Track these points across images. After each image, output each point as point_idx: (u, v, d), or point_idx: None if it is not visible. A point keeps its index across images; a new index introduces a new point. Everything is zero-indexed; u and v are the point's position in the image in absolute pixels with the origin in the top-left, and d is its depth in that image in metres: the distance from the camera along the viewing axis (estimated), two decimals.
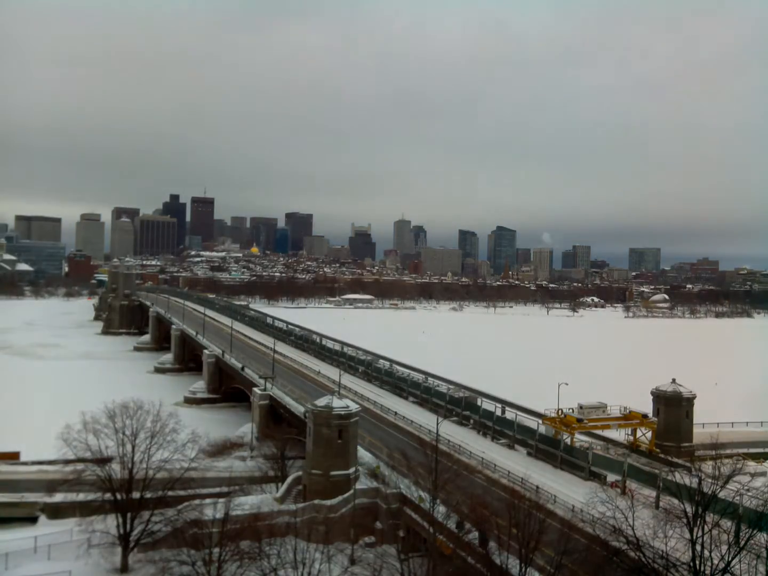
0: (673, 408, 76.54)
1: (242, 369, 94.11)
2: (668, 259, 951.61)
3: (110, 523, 52.88)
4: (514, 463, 64.51)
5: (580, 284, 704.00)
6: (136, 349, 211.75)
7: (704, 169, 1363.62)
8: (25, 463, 78.06)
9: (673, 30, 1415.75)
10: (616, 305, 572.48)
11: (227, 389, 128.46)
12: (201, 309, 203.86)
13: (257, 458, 76.82)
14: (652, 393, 79.04)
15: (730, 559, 34.81)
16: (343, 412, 59.98)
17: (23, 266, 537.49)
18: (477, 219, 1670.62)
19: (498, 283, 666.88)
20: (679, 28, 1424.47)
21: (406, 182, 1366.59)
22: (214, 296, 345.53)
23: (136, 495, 53.10)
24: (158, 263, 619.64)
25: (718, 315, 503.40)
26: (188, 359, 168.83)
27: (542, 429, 73.20)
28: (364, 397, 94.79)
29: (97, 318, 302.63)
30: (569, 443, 69.15)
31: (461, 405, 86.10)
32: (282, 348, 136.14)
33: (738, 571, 34.95)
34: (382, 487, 57.88)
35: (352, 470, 60.09)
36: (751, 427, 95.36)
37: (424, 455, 52.70)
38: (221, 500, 52.61)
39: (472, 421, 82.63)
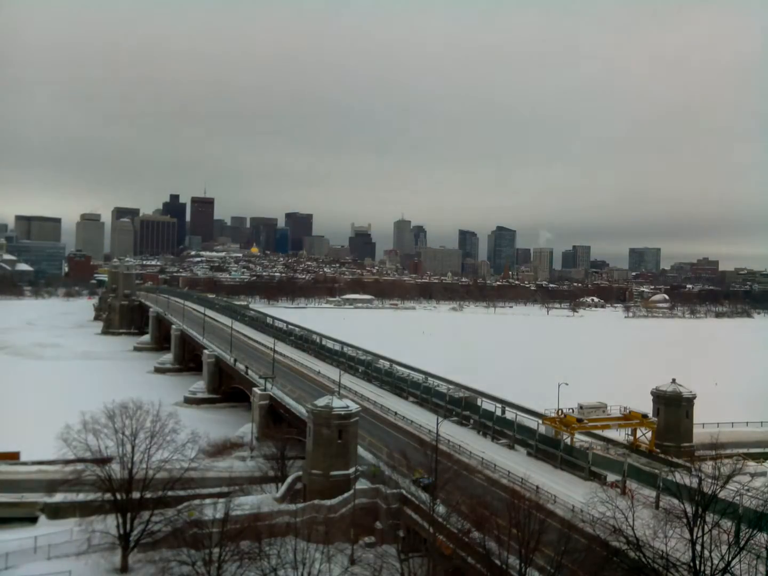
0: (673, 408, 76.52)
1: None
2: (668, 259, 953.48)
3: (110, 523, 52.90)
4: (514, 463, 64.52)
5: (580, 284, 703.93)
6: (136, 349, 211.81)
7: (704, 169, 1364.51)
8: (25, 463, 78.03)
9: (672, 27, 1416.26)
10: (616, 305, 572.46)
11: (227, 389, 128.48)
12: (201, 309, 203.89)
13: (257, 458, 76.79)
14: (652, 393, 79.03)
15: (730, 559, 34.78)
16: (343, 412, 60.01)
17: (23, 266, 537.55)
18: (477, 219, 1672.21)
19: (498, 283, 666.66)
20: (678, 26, 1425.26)
21: (406, 182, 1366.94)
22: (214, 296, 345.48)
23: (136, 495, 53.10)
24: (158, 263, 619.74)
25: (718, 315, 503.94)
26: (188, 359, 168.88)
27: (542, 429, 73.19)
28: (364, 397, 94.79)
29: (97, 318, 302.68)
30: (569, 443, 69.11)
31: (461, 405, 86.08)
32: (282, 348, 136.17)
33: (738, 571, 34.90)
34: (382, 487, 57.88)
35: (352, 470, 60.12)
36: (751, 427, 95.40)
37: (424, 455, 52.73)
38: (221, 500, 52.63)
39: (472, 421, 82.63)
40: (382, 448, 69.16)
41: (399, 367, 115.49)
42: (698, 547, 35.29)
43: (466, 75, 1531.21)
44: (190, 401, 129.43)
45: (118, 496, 52.92)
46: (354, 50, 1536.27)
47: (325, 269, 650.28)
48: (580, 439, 73.67)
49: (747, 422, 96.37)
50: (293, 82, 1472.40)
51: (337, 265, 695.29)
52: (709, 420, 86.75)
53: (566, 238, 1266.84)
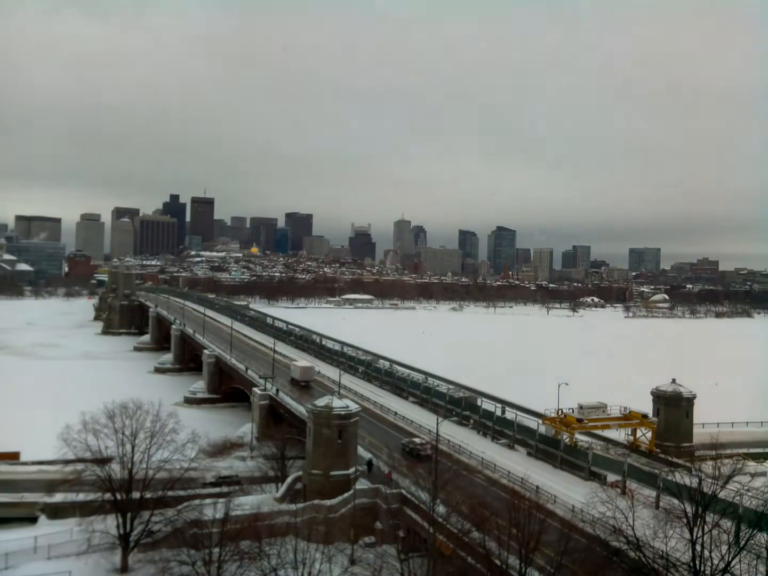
0: (673, 408, 76.49)
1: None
2: (668, 259, 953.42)
3: (110, 523, 52.86)
4: (514, 463, 64.50)
5: (580, 284, 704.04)
6: (136, 349, 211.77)
7: (704, 169, 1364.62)
8: (25, 463, 78.06)
9: (671, 28, 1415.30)
10: (616, 305, 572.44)
11: (227, 389, 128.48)
12: (201, 309, 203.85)
13: (257, 458, 76.83)
14: (652, 393, 79.00)
15: (730, 559, 34.77)
16: (343, 412, 60.00)
17: (23, 266, 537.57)
18: (477, 219, 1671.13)
19: (498, 283, 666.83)
20: (677, 26, 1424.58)
21: (406, 182, 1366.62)
22: (214, 296, 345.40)
23: (136, 495, 53.08)
24: (158, 263, 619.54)
25: (718, 315, 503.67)
26: (188, 359, 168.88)
27: (542, 429, 73.17)
28: (364, 397, 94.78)
29: (97, 318, 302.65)
30: (569, 443, 69.06)
31: (461, 405, 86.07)
32: (282, 348, 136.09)
33: (738, 571, 34.89)
34: (382, 487, 57.91)
35: (352, 470, 60.12)
36: (751, 427, 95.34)
37: None
38: (221, 500, 52.63)
39: (472, 421, 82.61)
40: (382, 448, 69.15)
41: (399, 367, 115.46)
42: (698, 547, 35.28)
43: (466, 75, 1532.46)
44: (190, 401, 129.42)
45: (118, 496, 52.91)
46: (355, 50, 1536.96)
47: (325, 269, 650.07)
48: (581, 439, 73.66)
49: (747, 422, 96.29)
50: (294, 82, 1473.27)
51: (337, 265, 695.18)
52: (709, 420, 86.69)
53: (566, 238, 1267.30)
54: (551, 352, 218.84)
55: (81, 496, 56.11)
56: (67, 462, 57.01)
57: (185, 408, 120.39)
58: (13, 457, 79.59)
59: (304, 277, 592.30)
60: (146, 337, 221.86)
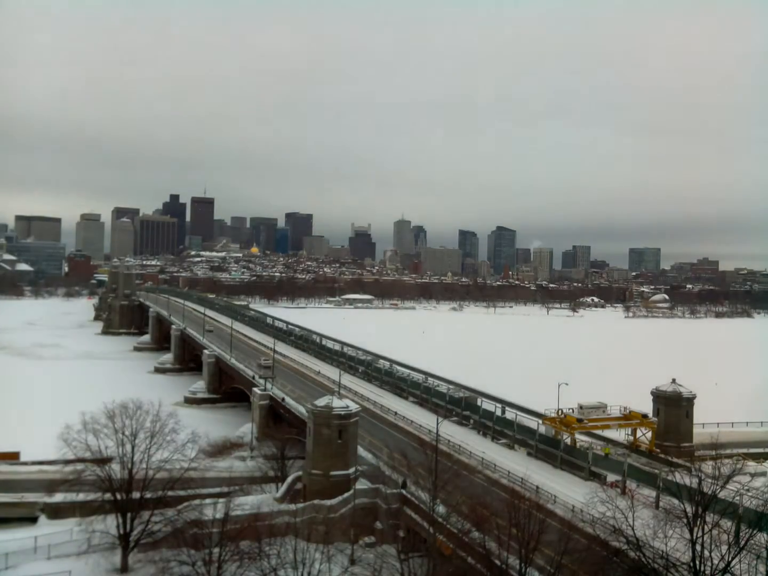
0: (673, 408, 76.46)
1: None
2: (668, 259, 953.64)
3: (110, 523, 52.86)
4: (514, 463, 64.46)
5: (580, 284, 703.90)
6: (136, 349, 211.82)
7: (704, 169, 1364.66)
8: (25, 463, 78.03)
9: (672, 31, 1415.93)
10: (616, 305, 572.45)
11: (227, 389, 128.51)
12: (201, 309, 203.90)
13: (257, 458, 76.83)
14: (652, 393, 78.96)
15: (730, 559, 34.77)
16: (343, 412, 60.02)
17: (23, 266, 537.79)
18: (477, 219, 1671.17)
19: (498, 283, 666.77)
20: (679, 30, 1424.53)
21: (406, 182, 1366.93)
22: (214, 296, 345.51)
23: (136, 495, 53.08)
24: (158, 263, 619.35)
25: (718, 315, 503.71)
26: (188, 359, 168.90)
27: (542, 429, 73.18)
28: (364, 397, 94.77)
29: (97, 318, 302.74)
30: (569, 443, 69.06)
31: (461, 405, 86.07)
32: (282, 348, 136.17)
33: (738, 571, 34.89)
34: (382, 487, 57.91)
35: (352, 470, 60.13)
36: (751, 427, 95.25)
37: (424, 455, 52.72)
38: (221, 500, 52.61)
39: (472, 421, 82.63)
40: (382, 448, 69.12)
41: (399, 367, 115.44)
42: (698, 547, 35.27)
43: (466, 74, 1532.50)
44: (190, 401, 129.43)
45: (118, 496, 52.92)
46: (355, 50, 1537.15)
47: (325, 269, 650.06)
48: (580, 439, 73.66)
49: (747, 422, 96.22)
50: (294, 82, 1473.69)
51: (337, 265, 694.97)
52: (709, 420, 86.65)
53: (566, 238, 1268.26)
54: (551, 351, 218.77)
55: (81, 496, 56.06)
56: (67, 462, 56.93)
57: (185, 408, 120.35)
58: (13, 457, 79.55)
59: (304, 277, 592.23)
60: (146, 337, 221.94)
